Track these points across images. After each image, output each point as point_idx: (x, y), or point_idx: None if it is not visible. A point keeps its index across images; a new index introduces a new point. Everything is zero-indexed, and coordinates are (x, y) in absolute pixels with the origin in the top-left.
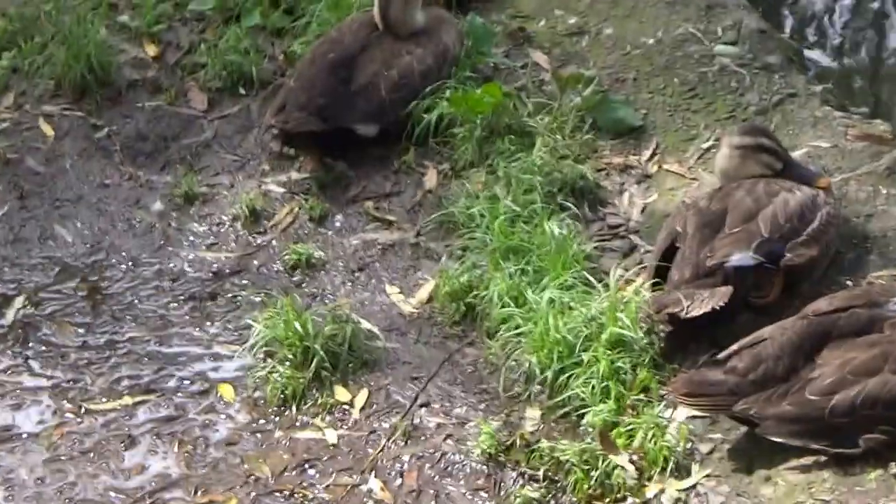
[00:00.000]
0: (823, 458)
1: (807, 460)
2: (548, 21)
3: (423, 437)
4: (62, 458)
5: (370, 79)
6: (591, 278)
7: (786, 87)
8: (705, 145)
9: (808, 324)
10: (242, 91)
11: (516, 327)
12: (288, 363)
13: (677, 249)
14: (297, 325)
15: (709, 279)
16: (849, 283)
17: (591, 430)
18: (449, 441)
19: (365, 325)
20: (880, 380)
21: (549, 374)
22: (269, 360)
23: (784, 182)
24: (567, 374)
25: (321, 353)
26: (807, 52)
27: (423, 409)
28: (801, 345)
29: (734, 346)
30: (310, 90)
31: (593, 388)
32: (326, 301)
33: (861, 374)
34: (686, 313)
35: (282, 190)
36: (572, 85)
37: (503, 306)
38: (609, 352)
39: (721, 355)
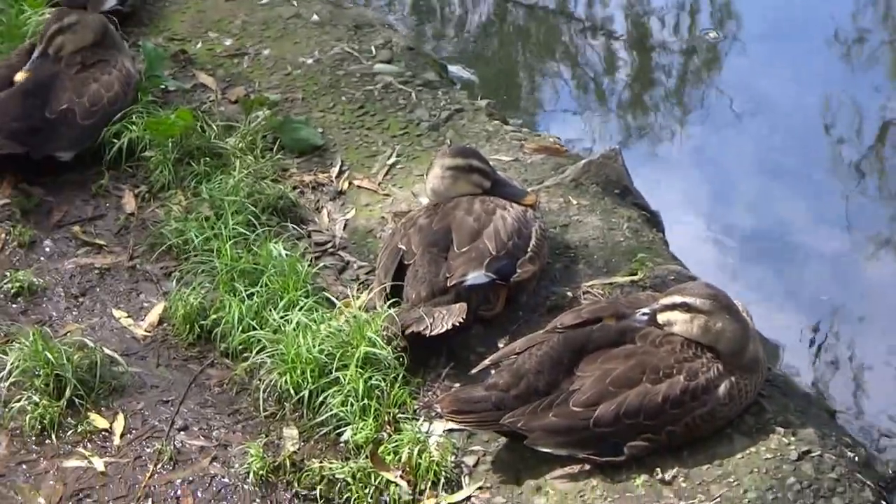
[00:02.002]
0: (588, 467)
1: (573, 469)
2: (205, 43)
3: (189, 461)
4: None
5: (67, 105)
6: (332, 298)
7: (451, 103)
8: (390, 161)
9: (564, 338)
10: None
11: (261, 349)
12: (40, 393)
13: (405, 267)
14: (47, 354)
15: (444, 296)
16: (569, 294)
17: (352, 446)
18: (216, 464)
19: (104, 350)
20: (640, 390)
21: (304, 394)
22: (15, 389)
23: (496, 200)
24: (323, 394)
25: (74, 381)
26: (450, 68)
27: (183, 433)
28: (560, 358)
29: (487, 361)
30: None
31: (352, 405)
32: (55, 328)
33: (621, 386)
34: (430, 331)
35: None
36: (256, 107)
37: (246, 329)
38: (361, 370)
39: (476, 370)
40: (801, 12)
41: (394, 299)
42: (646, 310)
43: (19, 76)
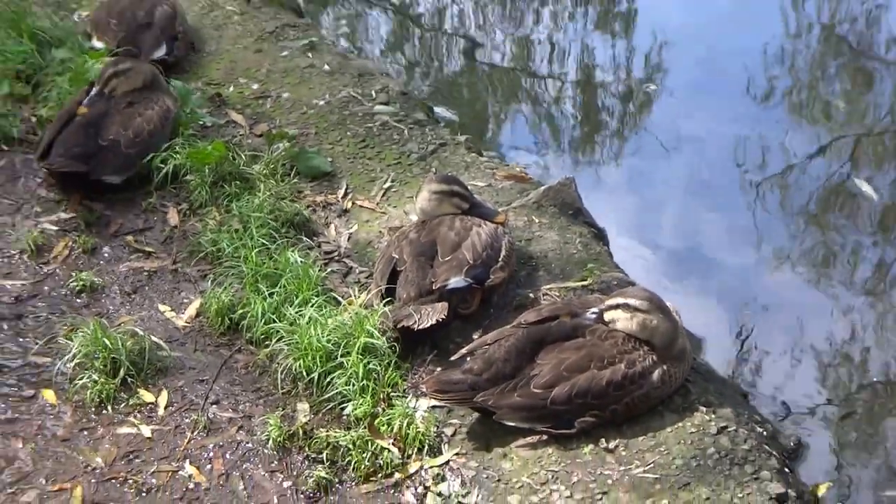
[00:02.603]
0: (546, 438)
1: (533, 439)
2: (236, 87)
3: (220, 429)
4: None
5: (114, 136)
6: (338, 297)
7: (436, 138)
8: (386, 185)
9: (527, 331)
10: (5, 147)
11: (280, 339)
12: (98, 372)
13: (397, 272)
14: (105, 341)
15: (429, 297)
16: (531, 295)
17: (353, 418)
18: (241, 432)
19: (152, 338)
20: (589, 375)
21: (315, 375)
22: (78, 369)
23: (473, 219)
24: (330, 376)
25: (126, 363)
26: (436, 109)
27: (215, 406)
28: (524, 349)
29: (464, 350)
30: (66, 143)
31: (353, 385)
32: (111, 319)
33: (573, 371)
34: (418, 326)
35: (56, 228)
36: (277, 140)
37: (267, 322)
38: (361, 357)
39: (455, 357)
40: (720, 65)
41: (388, 299)
42: (595, 309)
43: (81, 109)
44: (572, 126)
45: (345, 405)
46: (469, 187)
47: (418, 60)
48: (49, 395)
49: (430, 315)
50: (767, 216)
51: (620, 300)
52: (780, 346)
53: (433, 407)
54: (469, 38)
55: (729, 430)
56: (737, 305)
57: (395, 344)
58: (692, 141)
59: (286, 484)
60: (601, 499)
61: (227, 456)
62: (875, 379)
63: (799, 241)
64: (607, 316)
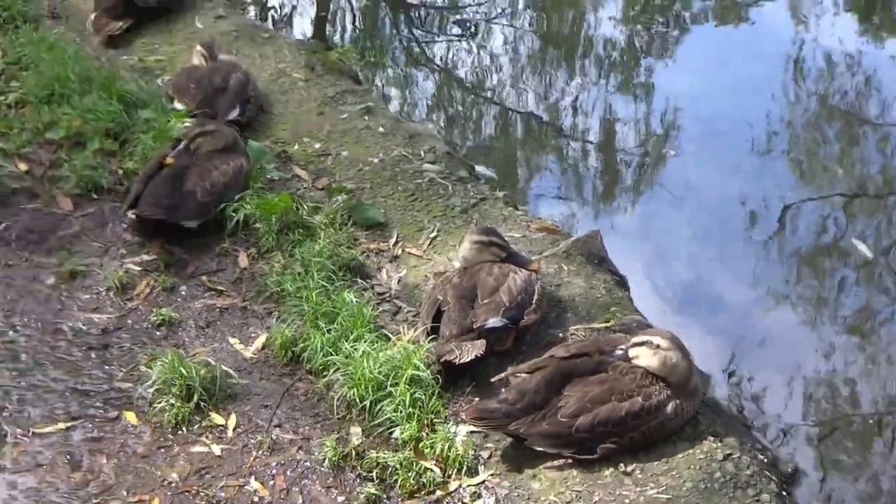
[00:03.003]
0: (571, 462)
1: (559, 463)
2: (300, 146)
3: (282, 449)
4: (22, 471)
5: (192, 187)
6: (388, 333)
7: (478, 194)
8: (432, 235)
9: (557, 366)
10: (95, 196)
11: (336, 370)
12: (175, 397)
13: (441, 312)
14: (181, 369)
15: (469, 335)
16: (560, 335)
17: (400, 441)
18: (301, 452)
19: (222, 367)
20: (610, 406)
21: (367, 403)
22: (157, 394)
23: (509, 266)
24: (380, 403)
25: (200, 389)
26: (477, 168)
27: (278, 429)
28: (553, 381)
29: (500, 375)
30: (154, 193)
31: (401, 412)
32: (187, 350)
33: (596, 403)
34: (459, 360)
35: (139, 268)
36: (336, 193)
37: (325, 355)
38: (409, 387)
39: (493, 379)
40: (725, 122)
41: (433, 336)
42: (623, 346)
43: (168, 160)
44: (597, 183)
45: (393, 429)
46: (506, 238)
47: (462, 124)
48: (131, 416)
49: (470, 351)
50: (765, 262)
51: (645, 338)
52: (778, 381)
53: (471, 432)
54: (506, 104)
55: (733, 457)
56: (740, 345)
57: (439, 376)
58: (702, 196)
59: (340, 499)
60: None
61: (288, 473)
62: (863, 409)
63: (794, 285)
64: (632, 352)
